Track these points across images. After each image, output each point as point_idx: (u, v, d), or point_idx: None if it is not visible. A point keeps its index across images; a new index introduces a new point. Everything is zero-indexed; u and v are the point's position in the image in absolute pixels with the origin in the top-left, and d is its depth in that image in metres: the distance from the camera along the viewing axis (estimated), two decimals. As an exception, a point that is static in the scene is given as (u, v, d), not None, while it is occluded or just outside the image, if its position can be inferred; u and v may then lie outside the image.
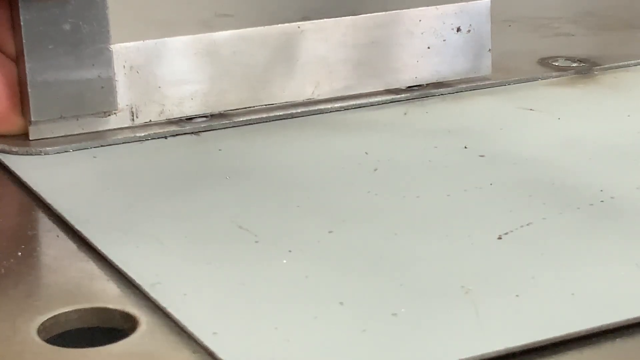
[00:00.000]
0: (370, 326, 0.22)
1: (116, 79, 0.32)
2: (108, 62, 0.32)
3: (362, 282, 0.24)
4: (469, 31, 0.36)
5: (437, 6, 0.35)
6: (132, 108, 0.33)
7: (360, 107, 0.36)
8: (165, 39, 0.33)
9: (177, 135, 0.33)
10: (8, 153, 0.32)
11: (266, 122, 0.34)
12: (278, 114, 0.35)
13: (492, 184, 0.30)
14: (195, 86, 0.33)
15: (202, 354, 0.22)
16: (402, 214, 0.28)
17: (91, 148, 0.32)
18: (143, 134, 0.33)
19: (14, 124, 0.32)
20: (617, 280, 0.24)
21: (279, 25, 0.34)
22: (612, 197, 0.28)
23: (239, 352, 0.21)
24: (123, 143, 0.33)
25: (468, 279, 0.24)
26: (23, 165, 0.31)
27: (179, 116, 0.33)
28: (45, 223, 0.28)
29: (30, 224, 0.28)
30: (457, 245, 0.26)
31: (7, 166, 0.31)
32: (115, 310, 0.24)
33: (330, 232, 0.27)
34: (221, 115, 0.34)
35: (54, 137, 0.32)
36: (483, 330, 0.22)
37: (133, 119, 0.33)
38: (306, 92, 0.35)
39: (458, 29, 0.36)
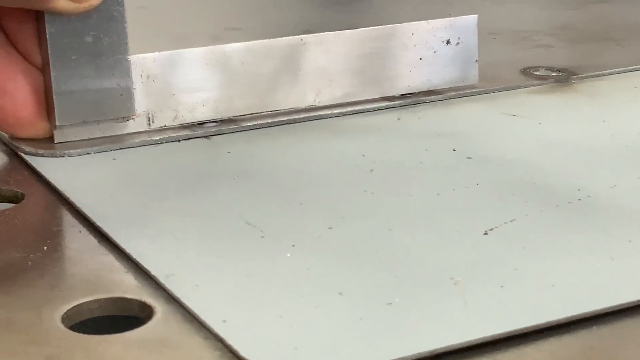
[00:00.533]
0: (366, 314, 0.22)
1: (134, 87, 0.32)
2: (126, 72, 0.32)
3: (359, 273, 0.24)
4: (457, 44, 0.36)
5: (429, 21, 0.35)
6: (148, 114, 0.33)
7: (357, 112, 0.36)
8: (179, 50, 0.33)
9: (189, 139, 0.33)
10: (35, 155, 0.32)
11: (271, 127, 0.34)
12: (282, 119, 0.35)
13: (478, 183, 0.30)
14: (206, 94, 0.33)
15: (212, 340, 0.22)
16: (396, 211, 0.28)
17: (111, 151, 0.32)
18: (158, 138, 0.33)
19: (40, 128, 0.32)
20: (593, 272, 0.24)
21: (283, 38, 0.34)
22: (588, 196, 0.28)
23: (246, 338, 0.21)
24: (140, 146, 0.33)
25: (457, 271, 0.24)
26: (48, 167, 0.31)
27: (192, 121, 0.33)
28: (68, 220, 0.28)
29: (54, 221, 0.28)
30: (447, 240, 0.26)
31: (34, 167, 0.31)
32: (133, 299, 0.24)
33: (330, 227, 0.27)
34: (230, 121, 0.34)
35: (77, 141, 0.32)
36: (470, 318, 0.22)
37: (149, 124, 0.33)
38: (308, 99, 0.35)
39: (448, 42, 0.36)
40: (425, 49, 0.35)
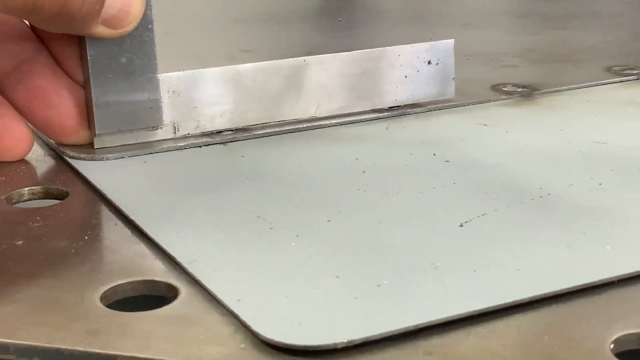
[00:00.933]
0: (359, 294, 0.22)
1: (162, 100, 0.32)
2: (155, 88, 0.32)
3: (353, 260, 0.24)
4: (437, 64, 0.36)
5: (413, 44, 0.35)
6: (174, 124, 0.33)
7: (352, 123, 0.36)
8: (200, 70, 0.33)
9: (209, 145, 0.33)
10: (77, 159, 0.32)
11: (279, 135, 0.34)
12: (288, 128, 0.35)
13: (455, 183, 0.30)
14: (223, 106, 0.33)
15: (229, 316, 0.22)
16: (384, 207, 0.28)
17: (142, 155, 0.32)
18: (182, 144, 0.33)
19: (82, 136, 0.32)
20: (552, 259, 0.24)
21: (289, 59, 0.34)
22: (548, 194, 0.29)
23: (257, 315, 0.21)
24: (167, 151, 0.33)
25: (436, 258, 0.24)
26: (89, 169, 0.31)
27: (211, 130, 0.33)
28: (106, 214, 0.28)
29: (94, 215, 0.28)
30: (428, 231, 0.26)
31: (77, 169, 0.31)
32: (161, 282, 0.24)
33: (328, 221, 0.27)
34: (244, 130, 0.34)
35: (113, 147, 0.32)
36: (448, 298, 0.22)
37: (175, 132, 0.33)
38: (310, 111, 0.35)
39: (429, 62, 0.36)
40: (409, 69, 0.35)
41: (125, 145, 0.32)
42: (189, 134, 0.33)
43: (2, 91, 0.31)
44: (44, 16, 0.27)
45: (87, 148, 0.32)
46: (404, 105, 0.37)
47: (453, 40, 0.36)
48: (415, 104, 0.37)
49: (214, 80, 0.33)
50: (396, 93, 0.35)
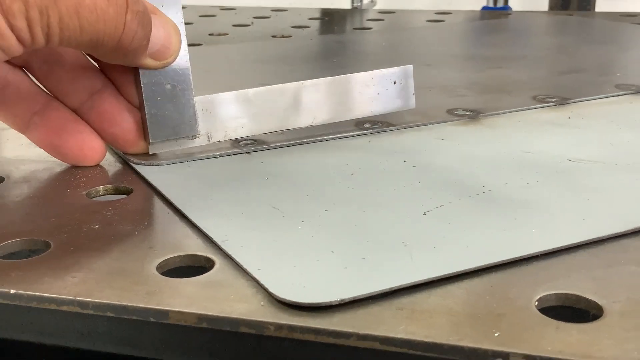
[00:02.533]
0: (349, 265, 0.22)
1: (197, 116, 0.32)
2: (193, 107, 0.31)
3: (344, 239, 0.24)
4: (401, 83, 0.36)
5: (382, 69, 0.35)
6: (207, 134, 0.32)
7: (343, 137, 0.36)
8: (224, 93, 0.33)
9: (237, 154, 0.33)
10: (140, 164, 0.32)
11: (289, 146, 0.34)
12: (295, 141, 0.35)
13: (419, 182, 0.30)
14: (243, 120, 0.33)
15: (252, 282, 0.22)
16: (367, 200, 0.28)
17: (187, 162, 0.32)
18: (217, 154, 0.33)
19: (141, 146, 0.32)
20: (491, 238, 0.24)
21: (291, 83, 0.34)
22: (489, 190, 0.29)
23: (273, 280, 0.21)
24: (206, 159, 0.33)
25: (406, 238, 0.24)
26: (148, 171, 0.31)
27: (235, 137, 0.33)
28: (160, 205, 0.28)
29: (152, 206, 0.28)
30: (400, 218, 0.26)
31: (139, 172, 0.31)
32: (201, 255, 0.24)
33: (326, 210, 0.27)
34: (262, 142, 0.34)
35: (163, 153, 0.32)
36: (415, 267, 0.22)
37: (209, 140, 0.32)
38: (308, 121, 0.34)
39: (395, 82, 0.35)
40: (380, 87, 0.35)
41: (173, 152, 0.32)
42: (219, 141, 0.33)
43: (79, 114, 0.31)
44: (105, 50, 0.27)
45: (147, 156, 0.32)
46: (382, 123, 0.37)
47: (412, 65, 0.35)
48: (390, 122, 0.37)
49: (235, 100, 0.33)
50: (372, 105, 0.35)
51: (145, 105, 0.31)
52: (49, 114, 0.31)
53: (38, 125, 0.31)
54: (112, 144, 0.32)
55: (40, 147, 0.32)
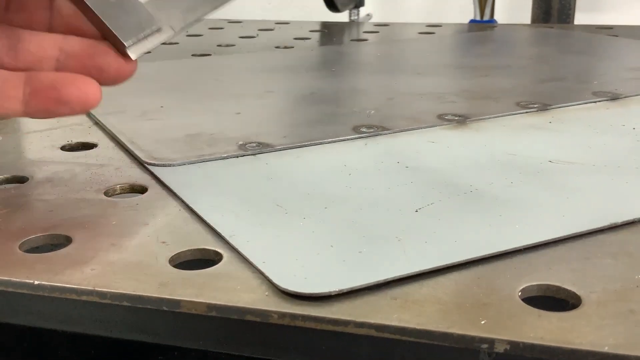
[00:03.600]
0: (347, 259, 0.22)
1: (150, 12, 0.28)
2: (141, 5, 0.27)
3: (343, 234, 0.24)
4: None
5: None
6: (170, 26, 0.28)
7: (341, 140, 0.35)
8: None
9: (243, 156, 0.33)
10: (154, 166, 0.32)
11: (291, 149, 0.34)
12: (297, 144, 0.34)
13: (412, 182, 0.30)
14: (191, 3, 0.28)
15: (257, 273, 0.22)
16: (364, 198, 0.28)
17: (198, 163, 0.32)
18: (225, 156, 0.33)
19: (127, 68, 0.27)
20: (478, 233, 0.24)
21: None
22: (476, 189, 0.29)
23: (276, 272, 0.21)
24: (215, 160, 0.32)
25: (399, 233, 0.24)
26: (162, 172, 0.31)
27: (192, 21, 0.29)
28: (173, 203, 0.28)
29: (165, 203, 0.28)
30: (393, 214, 0.26)
31: (154, 173, 0.31)
32: (210, 249, 0.24)
33: (325, 207, 0.27)
34: (267, 145, 0.34)
35: (176, 156, 0.32)
36: (407, 260, 0.22)
37: (173, 31, 0.28)
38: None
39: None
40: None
41: (186, 157, 0.32)
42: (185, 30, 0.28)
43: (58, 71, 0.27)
44: None
45: (162, 159, 0.32)
46: (377, 128, 0.37)
47: None
48: (385, 127, 0.37)
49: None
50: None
51: (103, 20, 0.27)
52: (36, 77, 0.26)
53: (30, 94, 0.26)
54: (101, 80, 0.27)
55: (40, 113, 0.27)
